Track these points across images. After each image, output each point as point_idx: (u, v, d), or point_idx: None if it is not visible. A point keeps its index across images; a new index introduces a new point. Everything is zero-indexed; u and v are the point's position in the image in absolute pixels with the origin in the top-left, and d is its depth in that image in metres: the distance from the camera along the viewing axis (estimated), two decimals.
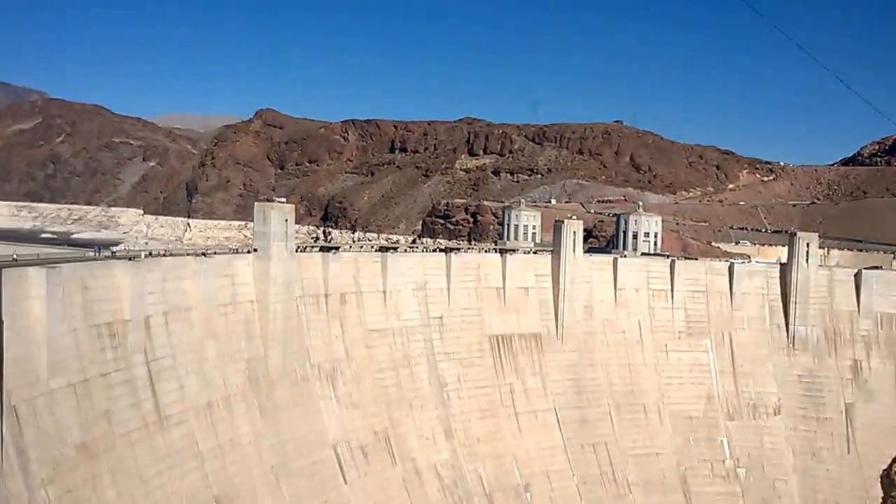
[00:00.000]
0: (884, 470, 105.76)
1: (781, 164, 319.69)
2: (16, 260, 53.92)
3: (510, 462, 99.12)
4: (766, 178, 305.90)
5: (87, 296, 56.03)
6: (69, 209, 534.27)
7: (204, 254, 74.52)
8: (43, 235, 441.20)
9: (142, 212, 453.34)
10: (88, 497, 51.37)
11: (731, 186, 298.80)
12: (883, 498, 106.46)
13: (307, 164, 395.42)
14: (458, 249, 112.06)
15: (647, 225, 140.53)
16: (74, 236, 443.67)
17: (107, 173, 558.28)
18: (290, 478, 73.85)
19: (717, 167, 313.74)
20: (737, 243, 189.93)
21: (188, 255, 72.74)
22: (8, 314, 46.87)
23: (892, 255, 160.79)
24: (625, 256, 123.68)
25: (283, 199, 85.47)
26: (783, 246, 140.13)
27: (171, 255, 70.86)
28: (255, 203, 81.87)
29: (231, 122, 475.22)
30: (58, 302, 51.34)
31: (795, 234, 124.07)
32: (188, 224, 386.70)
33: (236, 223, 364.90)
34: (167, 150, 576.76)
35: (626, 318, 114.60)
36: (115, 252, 69.41)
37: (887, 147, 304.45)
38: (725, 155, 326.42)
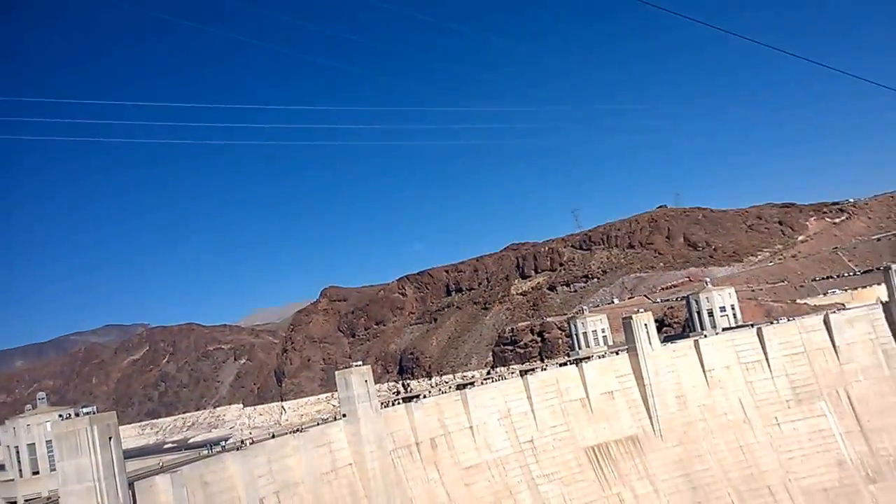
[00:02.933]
0: None
1: (852, 200, 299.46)
2: (161, 466, 61.63)
3: None
4: (837, 220, 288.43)
5: (208, 490, 62.46)
6: (183, 418, 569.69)
7: (300, 430, 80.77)
8: (166, 446, 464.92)
9: (241, 405, 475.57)
10: None
11: (801, 238, 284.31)
12: None
13: (375, 326, 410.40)
14: (533, 370, 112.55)
15: (721, 299, 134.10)
16: (191, 440, 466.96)
17: (207, 379, 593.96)
18: None
19: (780, 223, 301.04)
20: (825, 294, 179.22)
21: (286, 434, 79.00)
22: None
23: None
24: (705, 336, 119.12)
25: (360, 363, 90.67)
26: (879, 284, 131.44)
27: (271, 436, 77.59)
28: (336, 372, 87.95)
29: (302, 307, 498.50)
30: (184, 502, 57.85)
31: (890, 268, 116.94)
32: (282, 407, 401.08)
33: (324, 396, 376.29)
34: (253, 345, 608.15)
35: (723, 399, 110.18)
36: (223, 445, 76.69)
37: None
38: (786, 208, 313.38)
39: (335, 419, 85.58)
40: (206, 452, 72.07)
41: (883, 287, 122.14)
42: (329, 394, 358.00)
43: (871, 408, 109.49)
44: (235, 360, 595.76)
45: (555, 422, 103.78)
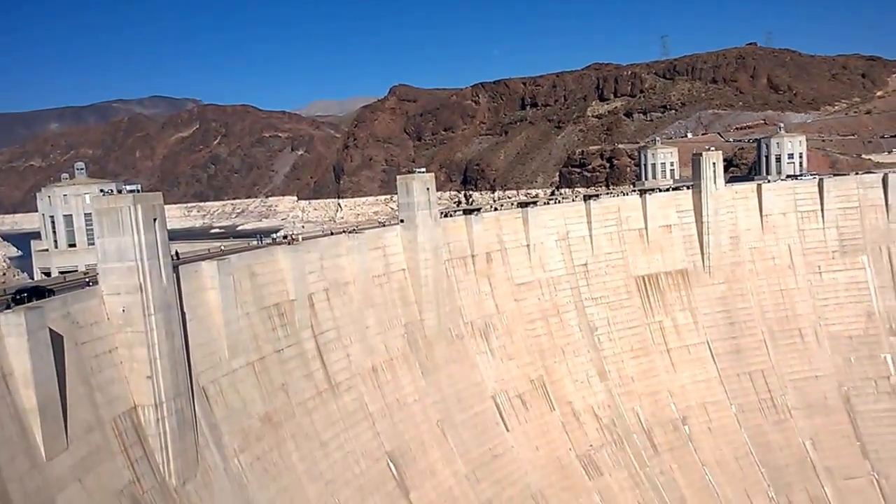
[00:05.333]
0: None
1: None
2: (223, 250, 59.72)
3: (666, 397, 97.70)
4: None
5: (256, 281, 59.46)
6: (232, 204, 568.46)
7: (355, 230, 77.13)
8: (212, 231, 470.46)
9: (296, 198, 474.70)
10: (276, 462, 55.08)
11: (879, 94, 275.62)
12: None
13: (443, 133, 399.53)
14: (597, 196, 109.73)
15: (791, 146, 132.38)
16: (239, 228, 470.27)
17: (261, 167, 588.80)
18: (455, 430, 75.99)
19: (863, 75, 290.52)
20: (890, 152, 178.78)
21: (341, 233, 75.51)
22: (189, 306, 50.39)
23: None
24: (769, 181, 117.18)
25: (423, 169, 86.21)
26: None
27: (329, 234, 74.02)
28: (398, 176, 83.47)
29: (368, 103, 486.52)
30: (230, 290, 54.70)
31: None
32: (339, 204, 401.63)
33: (382, 197, 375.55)
34: (312, 137, 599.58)
35: (774, 243, 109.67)
36: (274, 238, 73.17)
37: None
38: (871, 61, 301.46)
39: (387, 224, 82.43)
40: (255, 243, 68.38)
41: None
42: (388, 196, 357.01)
43: None
44: (293, 150, 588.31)
45: (611, 248, 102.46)
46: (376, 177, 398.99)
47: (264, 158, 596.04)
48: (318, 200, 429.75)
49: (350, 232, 75.93)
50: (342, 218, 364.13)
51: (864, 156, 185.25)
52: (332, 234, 75.41)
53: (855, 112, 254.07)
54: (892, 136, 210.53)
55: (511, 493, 77.91)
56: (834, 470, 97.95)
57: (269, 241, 70.48)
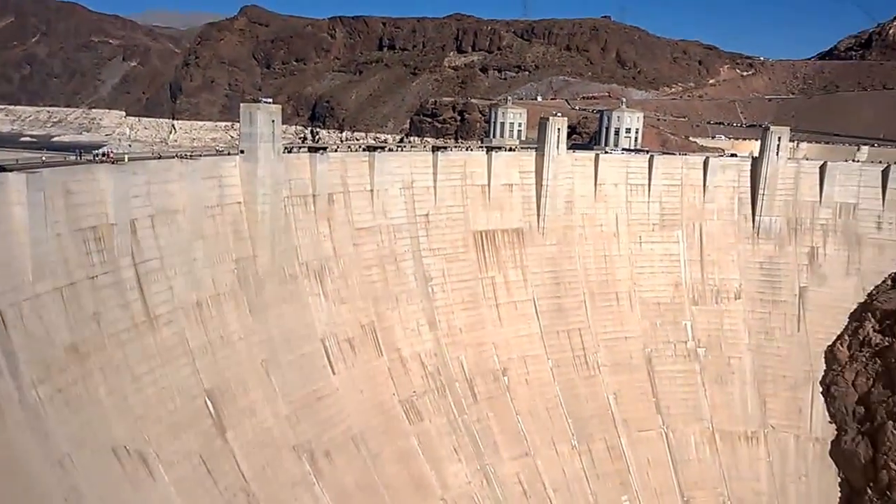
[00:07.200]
0: (828, 346, 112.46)
1: (761, 58, 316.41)
2: (44, 161, 54.58)
3: (490, 349, 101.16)
4: (745, 73, 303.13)
5: (71, 200, 54.33)
6: (48, 111, 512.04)
7: (190, 156, 72.25)
8: (22, 139, 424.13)
9: (124, 114, 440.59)
10: (80, 395, 51.39)
11: (711, 82, 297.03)
12: (825, 371, 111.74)
13: (294, 63, 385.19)
14: (446, 148, 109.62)
15: (629, 121, 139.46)
16: (55, 139, 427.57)
17: (86, 74, 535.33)
18: (279, 370, 74.54)
19: (700, 62, 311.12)
20: (713, 137, 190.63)
21: (174, 157, 70.57)
22: None
23: (856, 148, 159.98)
24: (606, 152, 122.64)
25: (270, 100, 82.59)
26: (757, 140, 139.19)
27: (158, 157, 68.84)
28: (241, 104, 78.42)
29: (214, 20, 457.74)
30: (40, 207, 49.79)
31: (768, 129, 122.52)
32: (173, 126, 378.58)
33: (223, 124, 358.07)
34: (148, 49, 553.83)
35: (604, 212, 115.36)
36: (96, 154, 67.23)
37: (863, 41, 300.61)
38: (709, 50, 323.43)
39: (227, 153, 77.60)
40: (73, 158, 62.42)
41: (758, 143, 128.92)
42: (229, 123, 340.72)
43: (714, 244, 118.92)
44: (124, 60, 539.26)
45: (453, 202, 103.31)
46: (217, 101, 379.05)
47: (90, 65, 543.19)
48: (150, 119, 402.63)
49: (184, 157, 70.99)
50: (176, 141, 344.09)
51: (691, 138, 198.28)
52: (161, 157, 70.21)
53: (689, 96, 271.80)
54: (717, 123, 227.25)
55: (332, 435, 78.03)
56: (630, 422, 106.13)
57: (88, 157, 64.57)
